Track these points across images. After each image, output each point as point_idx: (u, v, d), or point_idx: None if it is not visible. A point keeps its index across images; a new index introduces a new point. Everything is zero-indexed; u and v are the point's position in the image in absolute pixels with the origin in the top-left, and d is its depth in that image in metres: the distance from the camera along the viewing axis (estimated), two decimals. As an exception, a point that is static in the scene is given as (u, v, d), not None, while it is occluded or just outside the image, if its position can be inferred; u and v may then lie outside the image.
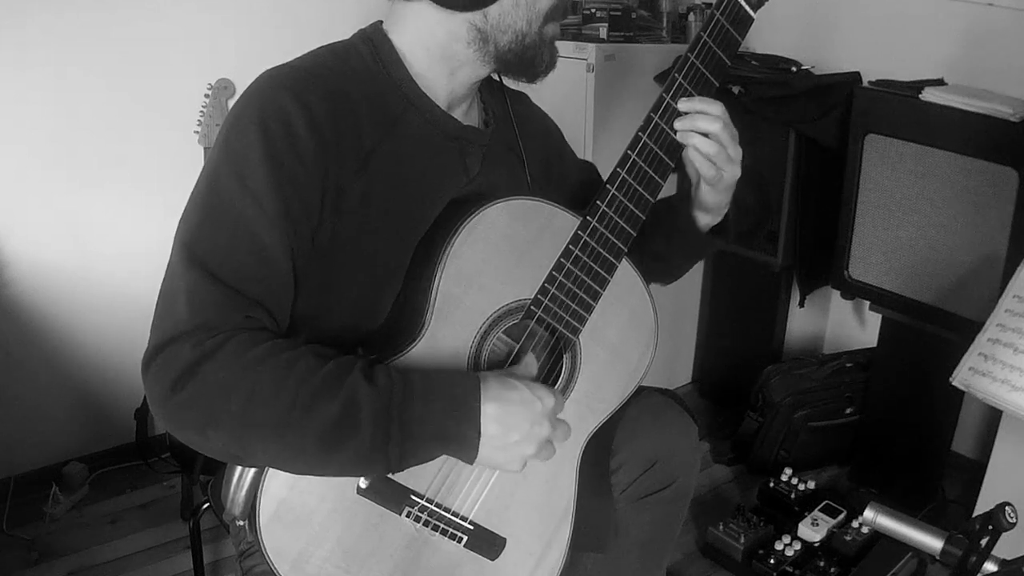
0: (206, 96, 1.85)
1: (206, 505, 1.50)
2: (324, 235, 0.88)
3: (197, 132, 1.85)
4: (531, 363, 0.93)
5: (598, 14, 2.21)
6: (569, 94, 2.08)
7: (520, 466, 0.86)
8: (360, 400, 0.78)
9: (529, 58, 0.96)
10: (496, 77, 1.04)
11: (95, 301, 2.02)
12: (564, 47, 2.12)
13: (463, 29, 0.93)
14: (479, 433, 0.81)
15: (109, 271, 2.02)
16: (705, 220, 1.09)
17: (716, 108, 0.97)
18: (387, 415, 0.78)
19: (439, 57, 0.95)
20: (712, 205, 1.06)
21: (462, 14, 0.92)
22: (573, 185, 1.17)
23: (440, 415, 0.80)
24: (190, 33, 1.98)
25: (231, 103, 1.87)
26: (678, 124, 0.98)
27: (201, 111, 1.85)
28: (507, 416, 0.83)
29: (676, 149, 0.99)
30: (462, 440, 0.81)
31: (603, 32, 2.17)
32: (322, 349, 0.83)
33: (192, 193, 0.87)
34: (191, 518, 1.65)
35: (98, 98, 1.91)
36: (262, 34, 2.06)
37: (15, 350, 1.97)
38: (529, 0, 0.93)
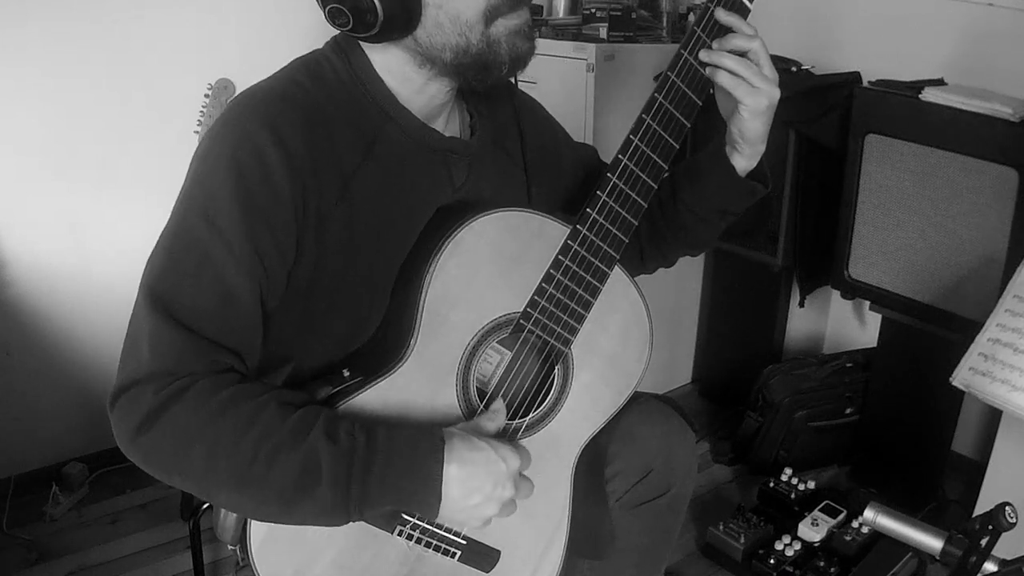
0: (206, 96, 1.85)
1: (206, 505, 1.50)
2: (306, 266, 0.87)
3: (197, 132, 1.85)
4: (500, 410, 0.91)
5: (598, 14, 2.20)
6: (569, 94, 2.08)
7: (481, 524, 0.85)
8: (321, 459, 0.77)
9: (483, 63, 0.90)
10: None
11: (95, 301, 2.02)
12: (564, 47, 2.14)
13: (407, 55, 0.91)
14: (439, 499, 0.81)
15: (109, 271, 2.02)
16: (743, 163, 1.04)
17: (750, 29, 0.96)
18: (347, 475, 0.78)
19: (402, 78, 0.93)
20: (753, 135, 1.00)
21: (393, 45, 0.90)
22: (574, 174, 1.16)
23: (400, 479, 0.80)
24: (190, 33, 1.98)
25: (231, 103, 1.87)
26: (704, 56, 0.95)
27: (201, 111, 1.84)
28: (470, 479, 0.82)
29: (669, 153, 0.97)
30: (421, 504, 0.81)
31: (603, 32, 2.17)
32: (288, 395, 0.82)
33: (161, 232, 0.85)
34: (191, 518, 1.64)
35: (98, 97, 1.91)
36: (262, 34, 2.06)
37: (15, 350, 1.96)
38: (451, 15, 0.87)
